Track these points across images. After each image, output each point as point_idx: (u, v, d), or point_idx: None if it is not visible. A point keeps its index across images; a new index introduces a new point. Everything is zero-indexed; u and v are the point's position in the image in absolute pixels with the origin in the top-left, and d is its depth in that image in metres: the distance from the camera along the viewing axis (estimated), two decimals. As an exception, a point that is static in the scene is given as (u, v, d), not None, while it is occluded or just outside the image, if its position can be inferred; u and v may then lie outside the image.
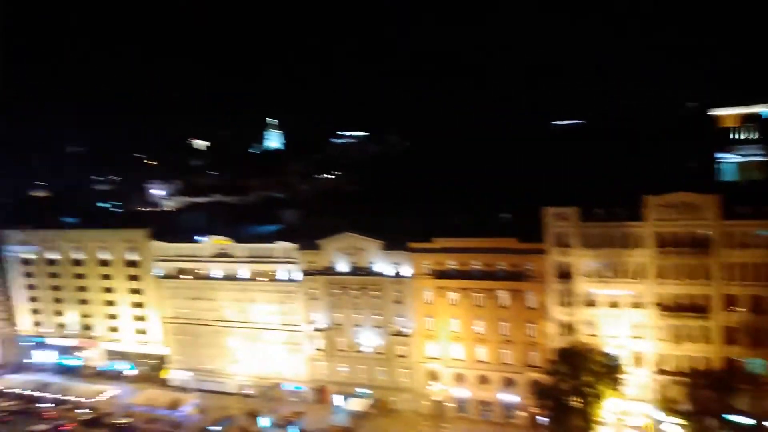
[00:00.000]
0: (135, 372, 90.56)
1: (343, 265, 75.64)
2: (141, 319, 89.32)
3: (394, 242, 72.86)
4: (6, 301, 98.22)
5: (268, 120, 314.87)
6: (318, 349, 77.95)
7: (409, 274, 72.12)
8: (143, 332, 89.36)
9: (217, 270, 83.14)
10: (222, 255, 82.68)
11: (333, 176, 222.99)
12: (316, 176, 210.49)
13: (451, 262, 70.02)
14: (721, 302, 58.66)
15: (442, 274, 70.30)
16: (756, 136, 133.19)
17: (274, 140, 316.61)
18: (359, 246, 74.51)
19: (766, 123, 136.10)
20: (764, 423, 56.82)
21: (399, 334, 73.32)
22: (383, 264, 73.51)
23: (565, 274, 64.39)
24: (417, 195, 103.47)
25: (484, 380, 69.96)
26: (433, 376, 72.25)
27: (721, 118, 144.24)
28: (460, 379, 71.16)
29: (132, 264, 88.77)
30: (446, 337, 71.05)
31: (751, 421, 56.76)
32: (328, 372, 77.96)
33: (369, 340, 75.08)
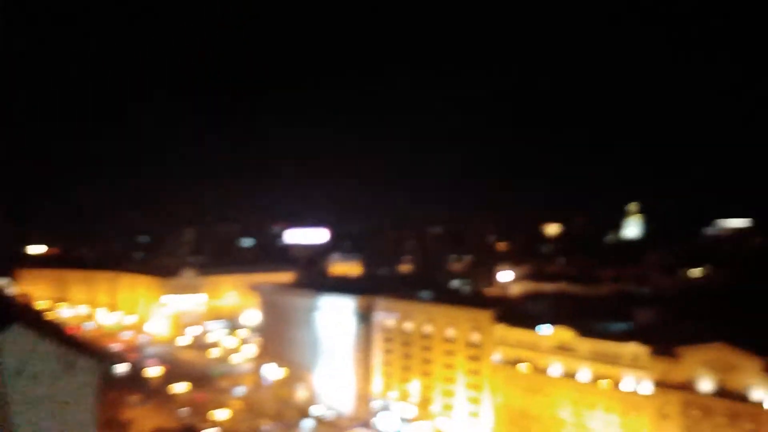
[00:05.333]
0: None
1: (706, 383, 60.94)
2: (474, 401, 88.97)
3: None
4: (365, 359, 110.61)
5: (630, 205, 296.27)
6: (669, 483, 63.55)
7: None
8: (475, 415, 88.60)
9: (556, 364, 77.38)
10: (563, 348, 76.81)
11: (703, 271, 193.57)
12: (682, 270, 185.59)
13: None
14: None
15: None
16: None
17: (633, 227, 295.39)
18: (732, 362, 59.13)
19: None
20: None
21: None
22: (765, 390, 56.31)
23: None
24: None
25: None
26: None
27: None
28: None
29: (473, 344, 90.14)
30: None
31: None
32: None
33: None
